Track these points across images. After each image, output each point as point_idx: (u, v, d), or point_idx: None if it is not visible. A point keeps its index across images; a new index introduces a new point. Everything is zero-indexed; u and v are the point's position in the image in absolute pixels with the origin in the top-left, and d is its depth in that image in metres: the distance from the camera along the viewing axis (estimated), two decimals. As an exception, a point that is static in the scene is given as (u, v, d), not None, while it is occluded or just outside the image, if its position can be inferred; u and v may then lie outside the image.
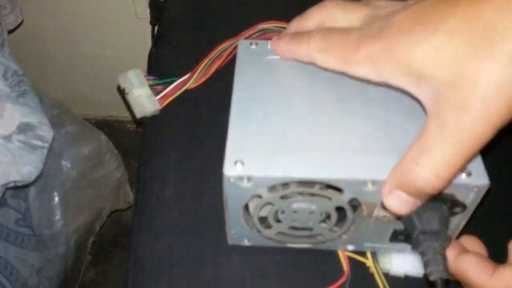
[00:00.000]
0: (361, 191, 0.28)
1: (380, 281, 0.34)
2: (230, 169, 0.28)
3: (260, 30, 0.45)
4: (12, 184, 0.62)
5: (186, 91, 0.44)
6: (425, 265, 0.28)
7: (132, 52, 0.96)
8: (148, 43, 0.52)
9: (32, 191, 0.74)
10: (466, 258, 0.29)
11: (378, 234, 0.32)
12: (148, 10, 0.58)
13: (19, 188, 0.70)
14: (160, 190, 0.40)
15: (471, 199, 0.28)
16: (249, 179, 0.28)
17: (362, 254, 0.35)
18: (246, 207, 0.31)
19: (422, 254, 0.28)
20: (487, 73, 0.23)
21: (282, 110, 0.32)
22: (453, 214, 0.29)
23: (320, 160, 0.28)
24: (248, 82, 0.34)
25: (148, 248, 0.37)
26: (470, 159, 0.25)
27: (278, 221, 0.31)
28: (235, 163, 0.28)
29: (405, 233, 0.32)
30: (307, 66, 0.33)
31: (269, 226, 0.32)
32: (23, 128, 0.63)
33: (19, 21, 0.84)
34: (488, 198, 0.29)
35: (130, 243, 0.38)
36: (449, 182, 0.25)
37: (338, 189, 0.29)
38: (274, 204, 0.30)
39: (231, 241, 0.35)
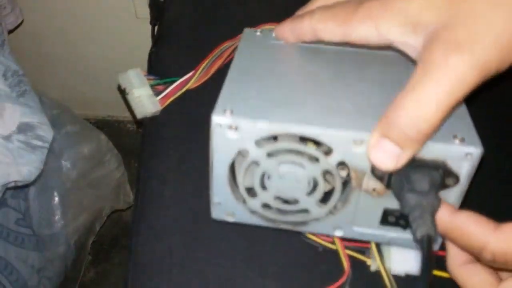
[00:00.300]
0: (350, 152, 0.28)
1: (387, 278, 0.34)
2: (219, 116, 0.28)
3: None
4: (12, 184, 0.62)
5: (186, 91, 0.44)
6: (411, 223, 0.27)
7: (132, 52, 0.96)
8: (148, 43, 0.52)
9: (32, 191, 0.75)
10: (465, 213, 0.27)
11: (367, 214, 0.31)
12: (148, 10, 0.58)
13: (19, 188, 0.70)
14: (160, 190, 0.40)
15: (464, 170, 0.28)
16: (237, 128, 0.28)
17: (363, 252, 0.35)
18: (233, 173, 0.31)
19: (409, 213, 0.27)
20: (479, 12, 0.23)
21: (278, 77, 0.32)
22: (445, 186, 0.29)
23: (310, 116, 0.29)
24: (248, 57, 0.34)
25: (148, 248, 0.37)
26: (455, 104, 0.24)
27: (264, 188, 0.31)
28: (225, 111, 0.28)
29: (396, 213, 0.31)
30: (309, 50, 0.34)
31: (254, 195, 0.32)
32: (23, 128, 0.63)
33: (19, 21, 0.84)
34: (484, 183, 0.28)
35: (130, 243, 0.38)
36: (435, 127, 0.25)
37: (326, 152, 0.29)
38: (260, 163, 0.30)
39: (215, 214, 0.34)
